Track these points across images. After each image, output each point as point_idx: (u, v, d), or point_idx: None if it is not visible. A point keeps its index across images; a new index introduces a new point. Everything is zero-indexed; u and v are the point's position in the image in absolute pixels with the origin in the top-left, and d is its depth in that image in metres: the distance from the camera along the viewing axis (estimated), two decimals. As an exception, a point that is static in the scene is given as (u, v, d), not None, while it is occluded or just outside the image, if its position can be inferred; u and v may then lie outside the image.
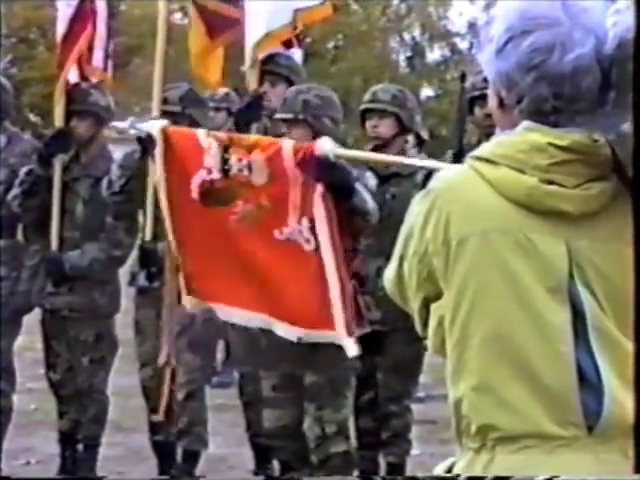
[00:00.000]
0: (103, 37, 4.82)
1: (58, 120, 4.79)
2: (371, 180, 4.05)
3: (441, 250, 1.75)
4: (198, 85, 4.96)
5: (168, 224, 3.79)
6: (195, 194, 3.69)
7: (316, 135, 3.96)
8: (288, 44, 4.92)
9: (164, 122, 3.92)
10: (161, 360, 4.39)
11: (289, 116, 4.06)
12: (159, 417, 4.46)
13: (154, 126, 3.86)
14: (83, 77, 4.90)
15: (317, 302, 3.61)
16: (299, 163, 3.60)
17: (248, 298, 3.69)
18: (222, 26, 4.73)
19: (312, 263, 3.59)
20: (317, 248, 3.58)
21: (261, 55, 4.78)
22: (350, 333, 3.57)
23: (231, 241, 3.66)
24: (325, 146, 3.65)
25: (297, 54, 4.99)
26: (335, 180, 3.66)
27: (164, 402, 4.42)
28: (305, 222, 3.58)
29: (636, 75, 1.67)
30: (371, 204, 3.82)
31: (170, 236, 3.80)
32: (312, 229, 3.58)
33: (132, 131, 3.94)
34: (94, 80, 4.91)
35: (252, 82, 4.75)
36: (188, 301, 3.86)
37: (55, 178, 4.75)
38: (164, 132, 3.82)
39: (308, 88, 4.20)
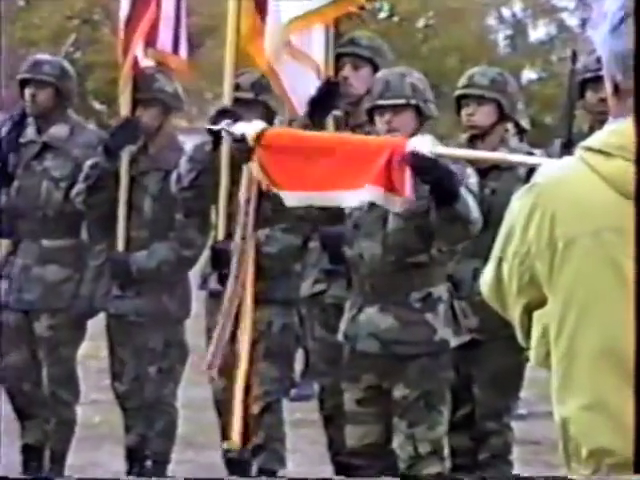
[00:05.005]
0: (171, 16, 4.86)
1: (124, 109, 4.85)
2: (472, 178, 4.03)
3: (545, 252, 1.73)
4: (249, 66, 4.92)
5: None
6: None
7: (423, 122, 4.01)
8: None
9: (261, 125, 3.96)
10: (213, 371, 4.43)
11: (400, 101, 4.07)
12: (233, 444, 4.48)
13: (250, 129, 3.91)
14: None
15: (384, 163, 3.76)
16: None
17: (317, 177, 3.86)
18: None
19: None
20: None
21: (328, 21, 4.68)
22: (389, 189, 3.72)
23: None
24: (424, 145, 3.65)
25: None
26: (438, 183, 3.66)
27: (238, 422, 4.43)
28: None
29: (637, 74, 1.66)
30: (475, 213, 3.81)
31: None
32: None
33: (227, 134, 4.00)
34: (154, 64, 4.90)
35: (321, 65, 4.66)
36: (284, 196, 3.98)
37: (122, 172, 4.81)
38: (261, 136, 3.89)
39: (407, 70, 4.23)
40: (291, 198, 3.94)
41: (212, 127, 4.17)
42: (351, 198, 3.81)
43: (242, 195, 4.51)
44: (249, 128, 3.94)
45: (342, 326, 4.20)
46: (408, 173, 3.65)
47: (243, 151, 4.04)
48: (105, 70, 17.27)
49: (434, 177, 3.72)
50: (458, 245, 4.12)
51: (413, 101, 4.06)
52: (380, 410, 4.12)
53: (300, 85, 4.56)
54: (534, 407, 6.10)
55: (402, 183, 3.67)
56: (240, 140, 3.97)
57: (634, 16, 1.68)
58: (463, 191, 3.81)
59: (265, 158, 3.91)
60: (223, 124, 4.03)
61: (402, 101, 4.06)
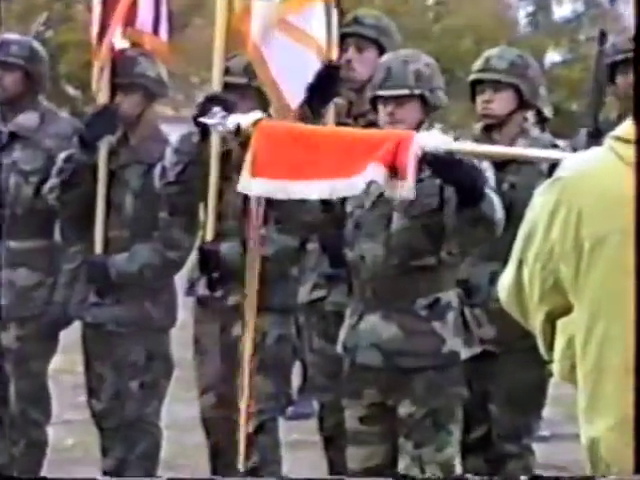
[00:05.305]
0: None
1: (102, 95, 4.86)
2: (488, 172, 4.05)
3: (571, 253, 1.73)
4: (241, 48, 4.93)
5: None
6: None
7: (430, 112, 4.03)
8: None
9: (259, 114, 3.97)
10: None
11: (403, 92, 4.08)
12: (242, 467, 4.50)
13: (245, 118, 3.92)
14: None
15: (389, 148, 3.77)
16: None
17: (311, 167, 3.89)
18: None
19: None
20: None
21: None
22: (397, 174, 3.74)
23: None
24: (432, 140, 3.65)
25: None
26: (461, 182, 3.66)
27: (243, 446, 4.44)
28: None
29: (637, 74, 1.70)
30: (500, 212, 3.83)
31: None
32: None
33: (220, 128, 4.00)
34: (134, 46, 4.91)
35: (322, 45, 4.65)
36: (247, 182, 3.97)
37: (100, 165, 4.82)
38: (257, 126, 3.90)
39: (413, 55, 4.23)
40: (268, 187, 3.94)
41: (204, 120, 4.14)
42: (351, 184, 3.81)
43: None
44: (244, 118, 3.95)
45: (341, 336, 4.21)
46: (412, 156, 3.66)
47: (239, 143, 4.05)
48: (80, 51, 17.25)
49: (456, 176, 3.73)
50: (477, 248, 4.13)
51: (417, 91, 4.07)
52: (385, 429, 4.13)
53: (297, 69, 4.56)
54: (558, 428, 6.12)
55: (405, 166, 3.68)
56: (234, 133, 3.97)
57: (634, 16, 1.69)
58: (487, 189, 3.82)
59: (258, 144, 3.92)
60: (218, 116, 4.02)
61: (405, 91, 4.07)
